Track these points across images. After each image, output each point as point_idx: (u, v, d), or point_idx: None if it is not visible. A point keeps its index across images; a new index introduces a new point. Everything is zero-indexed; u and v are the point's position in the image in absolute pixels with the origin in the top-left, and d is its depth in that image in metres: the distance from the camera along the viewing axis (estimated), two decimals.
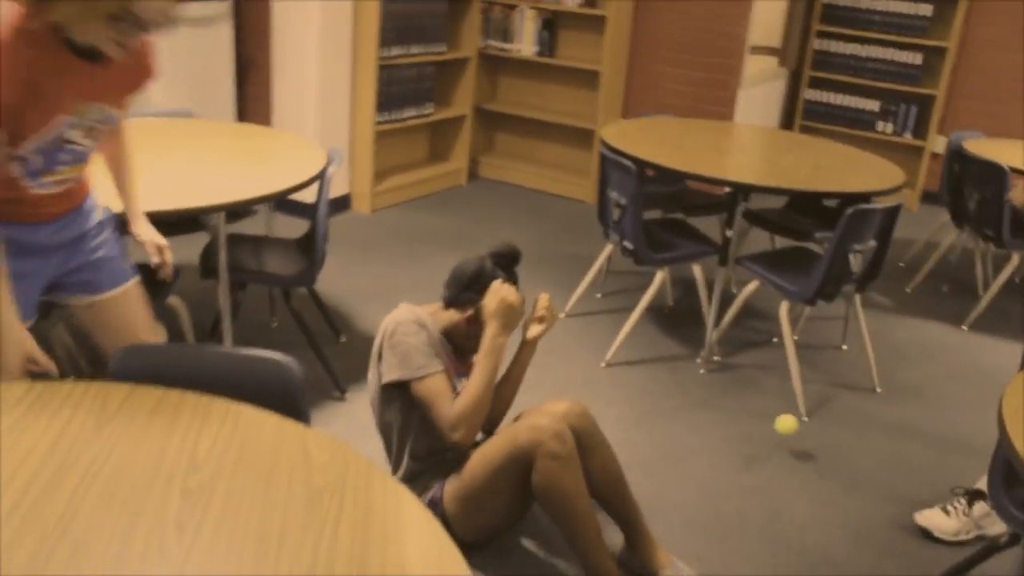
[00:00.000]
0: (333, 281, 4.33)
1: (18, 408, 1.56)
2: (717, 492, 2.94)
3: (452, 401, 2.37)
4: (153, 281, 2.96)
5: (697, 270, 3.83)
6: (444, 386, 2.38)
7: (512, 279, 2.44)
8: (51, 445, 1.45)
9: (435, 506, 2.48)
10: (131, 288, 2.33)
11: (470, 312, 2.43)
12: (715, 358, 3.86)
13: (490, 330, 2.37)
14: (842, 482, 3.04)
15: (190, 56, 4.68)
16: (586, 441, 2.42)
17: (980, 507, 2.80)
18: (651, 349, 3.91)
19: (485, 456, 2.36)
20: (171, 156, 3.16)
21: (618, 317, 4.17)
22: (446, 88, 6.01)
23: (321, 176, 3.13)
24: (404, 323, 2.39)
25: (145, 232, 2.42)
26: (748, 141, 4.22)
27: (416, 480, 2.55)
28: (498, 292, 2.36)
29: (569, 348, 3.87)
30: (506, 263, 2.42)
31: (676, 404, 3.47)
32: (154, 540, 1.25)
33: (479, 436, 2.55)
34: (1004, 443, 1.77)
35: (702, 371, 3.75)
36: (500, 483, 2.34)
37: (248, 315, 3.89)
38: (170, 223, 3.43)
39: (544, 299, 2.52)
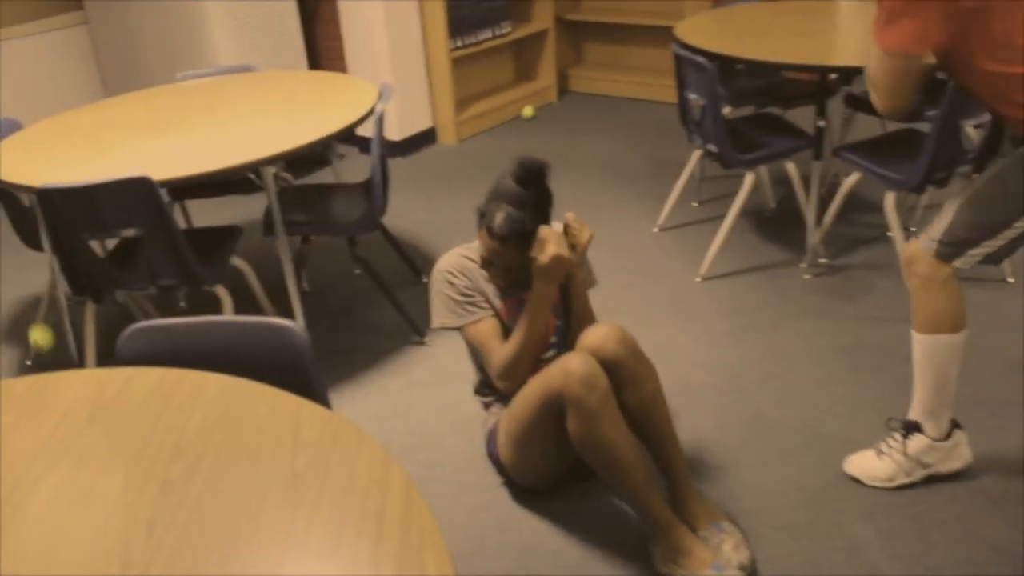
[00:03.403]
0: (417, 218, 4.23)
1: (22, 400, 1.51)
2: (822, 411, 2.70)
3: (499, 347, 2.27)
4: (215, 242, 2.92)
5: (791, 167, 3.51)
6: (488, 333, 2.29)
7: (532, 198, 2.16)
8: (45, 439, 1.39)
9: (492, 442, 2.41)
10: None
11: (490, 237, 2.19)
12: (821, 260, 3.56)
13: (537, 283, 2.19)
14: (967, 389, 2.74)
15: (253, 10, 4.59)
16: (624, 373, 2.18)
17: (917, 442, 2.33)
18: (751, 257, 3.64)
19: (523, 399, 2.22)
20: (223, 114, 3.09)
21: (716, 226, 3.90)
22: (524, 3, 5.74)
23: (371, 114, 2.99)
24: (442, 271, 2.31)
25: None
26: (845, 18, 3.81)
27: (488, 408, 2.50)
28: (547, 244, 2.13)
29: (661, 264, 3.65)
30: (523, 178, 2.17)
31: (777, 315, 3.21)
32: (120, 542, 1.17)
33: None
34: None
35: (807, 276, 3.46)
36: (537, 428, 2.20)
37: (328, 265, 3.84)
38: (231, 182, 3.40)
39: (570, 219, 2.22)
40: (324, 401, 1.60)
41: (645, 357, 2.24)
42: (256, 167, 2.67)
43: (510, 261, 2.20)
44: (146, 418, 1.43)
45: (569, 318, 2.39)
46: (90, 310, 2.89)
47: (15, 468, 1.33)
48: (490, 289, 2.34)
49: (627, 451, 2.10)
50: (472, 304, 2.30)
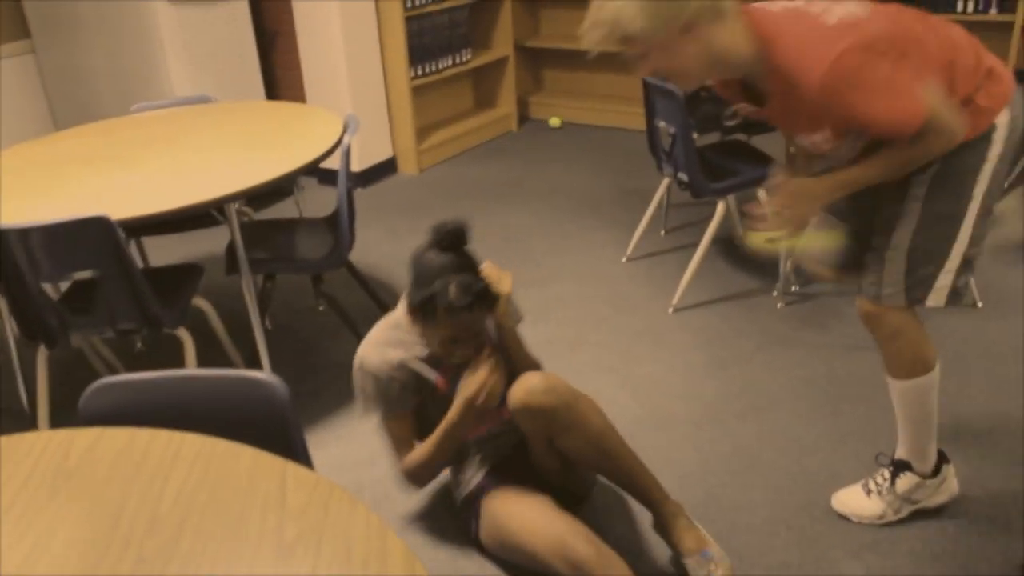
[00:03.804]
0: (380, 251, 4.14)
1: None
2: (803, 444, 2.66)
3: (408, 448, 2.27)
4: (176, 282, 2.81)
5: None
6: (402, 432, 2.27)
7: (464, 260, 2.05)
8: (6, 509, 1.28)
9: (467, 512, 2.33)
10: None
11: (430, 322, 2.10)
12: (793, 288, 3.54)
13: (457, 413, 2.15)
14: (948, 418, 2.72)
15: (209, 38, 4.49)
16: (560, 421, 2.11)
17: (906, 480, 2.29)
18: (722, 286, 3.61)
19: (519, 529, 2.12)
20: (181, 148, 2.98)
21: (684, 255, 3.87)
22: (483, 30, 5.71)
23: (337, 147, 2.91)
24: (363, 367, 2.21)
25: None
26: None
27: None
28: (478, 379, 2.10)
29: (631, 296, 3.60)
30: (448, 244, 2.05)
31: (752, 345, 3.18)
32: None
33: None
34: None
35: (779, 304, 3.43)
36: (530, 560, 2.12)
37: (292, 300, 3.73)
38: (190, 218, 3.28)
39: (486, 270, 2.13)
40: (307, 460, 1.51)
41: (581, 398, 2.15)
42: (220, 204, 2.58)
43: (480, 325, 2.10)
44: (117, 485, 1.32)
45: (510, 366, 2.31)
46: (43, 356, 2.76)
47: None
48: (420, 366, 2.24)
49: None
50: (390, 400, 2.23)
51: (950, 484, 2.34)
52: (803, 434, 2.70)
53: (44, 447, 1.43)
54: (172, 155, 2.91)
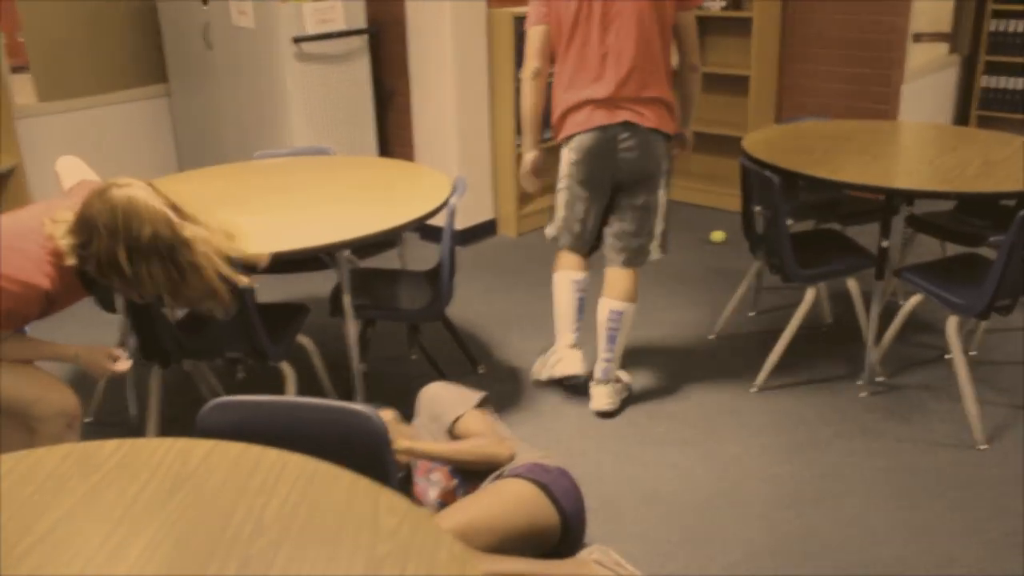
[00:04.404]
0: (474, 308, 4.28)
1: (107, 464, 1.56)
2: (876, 534, 2.67)
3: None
4: (284, 319, 2.99)
5: (852, 285, 3.53)
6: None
7: None
8: (128, 505, 1.43)
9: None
10: None
11: None
12: (878, 379, 3.54)
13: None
14: None
15: (330, 92, 4.77)
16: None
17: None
18: (807, 371, 3.64)
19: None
20: (298, 194, 3.19)
21: (771, 337, 3.91)
22: None
23: (444, 207, 3.07)
24: None
25: None
26: (907, 140, 3.87)
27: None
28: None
29: (717, 372, 3.65)
30: None
31: (833, 432, 3.19)
32: None
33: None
34: None
35: (863, 394, 3.44)
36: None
37: (386, 347, 3.89)
38: (298, 260, 3.48)
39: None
40: (398, 489, 1.63)
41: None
42: (332, 250, 2.75)
43: None
44: (227, 493, 1.46)
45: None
46: (156, 375, 2.96)
47: (100, 531, 1.37)
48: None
49: None
50: None
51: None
52: (878, 524, 2.70)
53: (166, 452, 1.58)
54: (289, 201, 3.12)
